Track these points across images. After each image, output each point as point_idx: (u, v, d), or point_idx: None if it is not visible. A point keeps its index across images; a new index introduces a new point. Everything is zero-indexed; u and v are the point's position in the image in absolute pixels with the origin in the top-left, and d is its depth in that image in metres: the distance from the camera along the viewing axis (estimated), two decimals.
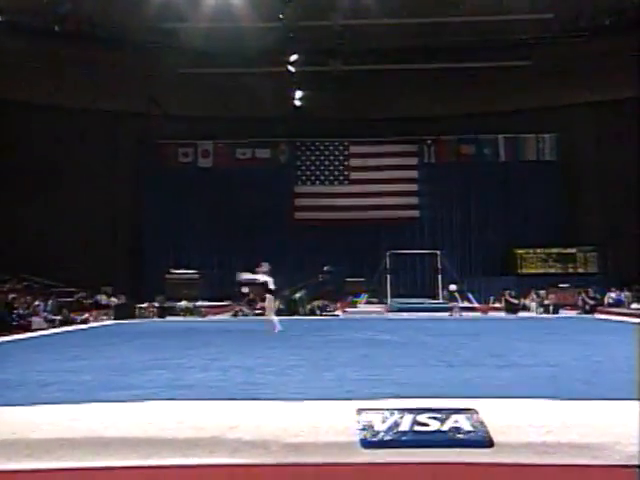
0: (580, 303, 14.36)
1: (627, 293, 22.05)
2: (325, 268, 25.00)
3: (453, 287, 24.60)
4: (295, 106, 26.41)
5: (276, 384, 4.44)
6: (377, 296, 24.81)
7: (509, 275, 27.17)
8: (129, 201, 26.83)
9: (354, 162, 28.70)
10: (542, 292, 19.23)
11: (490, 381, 4.48)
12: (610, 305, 20.52)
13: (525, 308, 17.17)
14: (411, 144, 28.68)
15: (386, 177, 28.52)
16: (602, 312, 15.80)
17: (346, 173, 28.70)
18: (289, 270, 26.98)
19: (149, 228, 26.84)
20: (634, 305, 19.69)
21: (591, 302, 14.27)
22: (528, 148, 28.36)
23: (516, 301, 15.14)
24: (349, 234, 27.76)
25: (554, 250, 27.36)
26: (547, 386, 4.41)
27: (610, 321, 11.20)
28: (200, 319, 15.47)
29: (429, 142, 28.55)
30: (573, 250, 27.35)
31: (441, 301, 20.44)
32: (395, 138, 28.47)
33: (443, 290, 24.93)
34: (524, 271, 27.42)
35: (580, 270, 27.05)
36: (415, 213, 28.64)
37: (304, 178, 28.58)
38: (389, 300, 21.25)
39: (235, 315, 17.61)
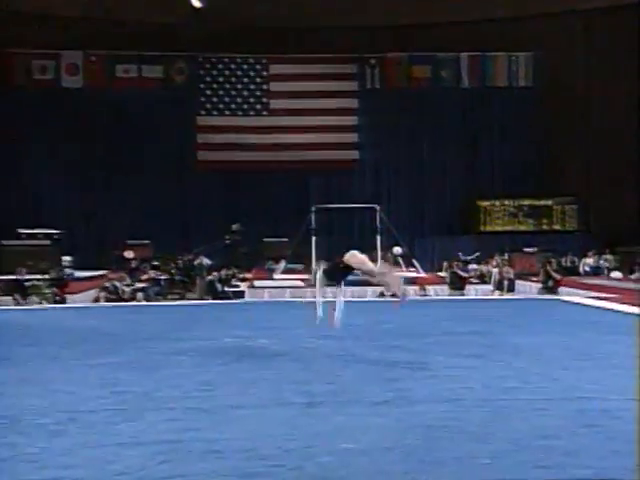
0: (541, 278, 13.65)
1: (609, 256, 21.73)
2: (234, 227, 23.56)
3: (398, 250, 23.63)
4: (195, 8, 24.25)
5: None
6: (303, 262, 23.63)
7: (470, 234, 26.54)
8: None
9: (275, 86, 26.95)
10: (502, 259, 18.48)
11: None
12: (586, 274, 20.14)
13: (483, 280, 16.35)
14: (349, 64, 27.19)
15: (317, 107, 27.00)
16: (575, 285, 15.17)
17: (265, 101, 26.91)
18: (187, 228, 25.55)
19: None
20: (615, 274, 19.33)
21: (557, 276, 13.56)
22: (498, 70, 27.34)
23: (465, 274, 14.24)
24: (269, 181, 26.25)
25: (526, 202, 26.81)
26: None
27: (578, 306, 10.40)
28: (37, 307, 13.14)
29: (372, 62, 27.06)
30: (549, 202, 26.90)
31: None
32: (329, 55, 26.87)
33: (387, 254, 24.02)
34: (488, 229, 26.86)
35: (557, 227, 26.70)
36: (354, 154, 27.41)
37: (209, 106, 26.59)
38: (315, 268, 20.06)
39: (104, 291, 15.88)
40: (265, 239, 25.69)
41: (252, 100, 26.91)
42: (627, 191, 24.05)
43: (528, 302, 11.53)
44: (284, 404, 3.92)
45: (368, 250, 22.20)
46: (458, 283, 13.84)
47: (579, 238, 25.33)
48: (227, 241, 22.88)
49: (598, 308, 9.91)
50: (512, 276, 14.26)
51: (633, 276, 19.74)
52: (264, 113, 26.92)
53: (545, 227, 26.38)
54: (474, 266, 20.98)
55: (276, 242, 24.85)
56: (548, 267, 13.46)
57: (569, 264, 22.31)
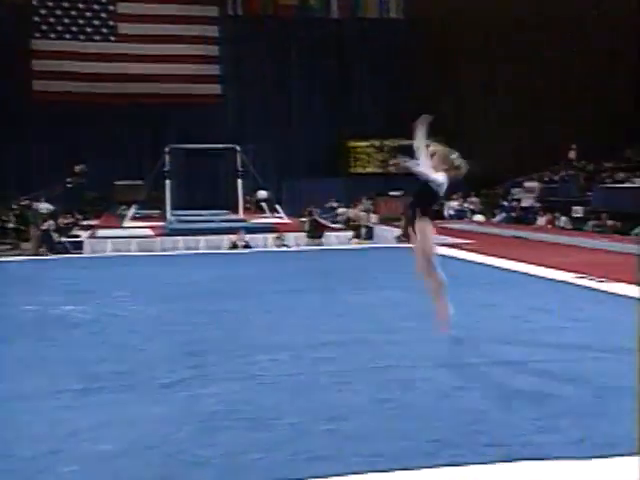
0: (401, 224, 13.89)
1: (474, 199, 22.62)
2: (77, 168, 22.44)
3: (262, 194, 23.49)
4: None
5: None
6: (159, 208, 22.94)
7: (340, 176, 26.72)
8: None
9: (123, 8, 25.53)
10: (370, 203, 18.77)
11: None
12: (451, 217, 20.89)
13: (351, 226, 16.45)
14: None
15: (173, 33, 25.91)
16: (436, 230, 15.59)
17: (111, 24, 25.47)
18: (25, 168, 24.05)
19: None
20: (477, 217, 20.19)
21: None
22: (369, 1, 27.30)
23: (324, 221, 14.27)
24: (119, 116, 25.11)
25: (396, 142, 27.15)
26: None
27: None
28: None
29: None
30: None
31: (239, 217, 19.21)
32: None
33: (253, 198, 23.81)
34: (359, 170, 27.15)
35: None
36: (216, 88, 26.66)
37: (45, 28, 24.88)
38: (169, 215, 19.53)
39: None
40: (116, 182, 24.72)
41: (96, 23, 25.41)
42: (498, 131, 24.85)
43: (382, 252, 11.67)
44: (52, 392, 3.63)
45: (230, 193, 22.10)
46: (316, 231, 13.84)
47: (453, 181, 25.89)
48: (69, 184, 21.80)
49: (450, 257, 10.17)
50: (369, 223, 14.41)
51: (495, 219, 20.71)
52: (111, 38, 25.53)
53: None
54: (343, 210, 21.23)
55: (129, 185, 23.97)
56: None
57: (436, 207, 23.00)
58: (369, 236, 14.08)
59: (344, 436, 3.10)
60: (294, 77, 27.05)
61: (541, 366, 4.33)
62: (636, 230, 16.45)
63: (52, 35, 25.06)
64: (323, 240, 14.05)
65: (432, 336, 5.14)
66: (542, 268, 8.81)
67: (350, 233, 14.46)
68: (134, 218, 20.70)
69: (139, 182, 23.21)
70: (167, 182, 19.87)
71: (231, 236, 13.62)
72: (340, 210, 21.31)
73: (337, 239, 14.50)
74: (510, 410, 3.51)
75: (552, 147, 22.85)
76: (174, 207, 22.14)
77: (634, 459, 2.99)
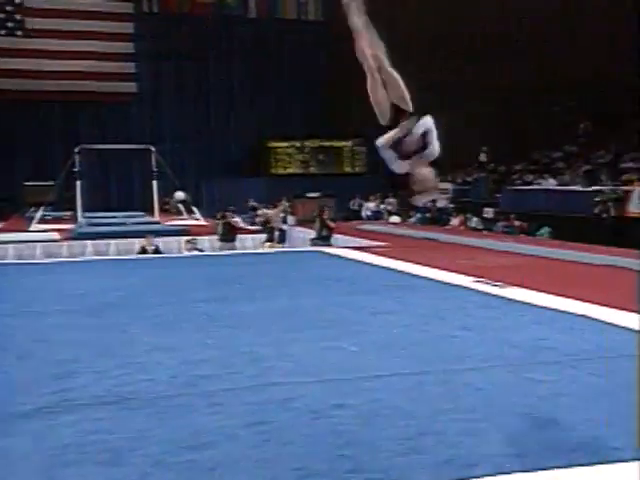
0: (316, 226, 13.87)
1: (392, 200, 22.84)
2: None
3: (180, 196, 23.08)
4: None
5: None
6: (71, 209, 22.26)
7: (261, 176, 26.59)
8: None
9: (31, 1, 24.74)
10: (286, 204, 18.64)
11: None
12: (369, 218, 21.05)
13: (268, 228, 16.21)
14: None
15: (86, 29, 25.22)
16: (350, 232, 15.62)
17: (19, 18, 24.67)
18: None
19: None
20: (393, 218, 20.37)
21: (332, 225, 13.82)
22: (288, 1, 27.20)
23: (237, 224, 14.03)
24: (28, 114, 24.32)
25: (317, 143, 27.25)
26: None
27: (337, 259, 10.64)
28: None
29: None
30: (340, 143, 27.54)
31: (154, 219, 18.82)
32: None
33: (172, 200, 23.37)
34: (280, 171, 27.04)
35: (347, 169, 27.50)
36: (131, 86, 26.10)
37: None
38: (79, 218, 18.98)
39: None
40: (26, 183, 23.98)
41: (2, 16, 24.53)
42: None
43: (292, 256, 11.58)
44: None
45: (147, 195, 21.58)
46: (230, 234, 13.61)
47: (369, 181, 26.14)
48: None
49: (356, 261, 10.17)
50: (283, 226, 14.28)
51: (411, 220, 20.94)
52: (18, 33, 24.69)
53: (336, 170, 27.01)
54: (263, 211, 21.03)
55: (39, 186, 23.25)
56: (323, 215, 13.64)
57: (357, 207, 23.16)
58: (282, 239, 13.94)
59: (203, 468, 2.96)
60: (212, 76, 26.75)
61: (415, 379, 4.28)
62: (541, 230, 16.91)
63: None
64: (237, 244, 13.84)
65: (323, 348, 5.07)
66: (445, 272, 8.86)
67: (263, 236, 14.28)
68: (44, 221, 20.02)
69: (50, 183, 22.45)
70: (78, 183, 19.31)
71: (141, 240, 13.28)
72: (260, 211, 21.10)
73: (252, 242, 14.32)
74: (378, 430, 3.43)
75: (465, 150, 23.23)
76: (88, 209, 21.63)
77: (500, 478, 2.97)
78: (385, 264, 9.78)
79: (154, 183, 19.61)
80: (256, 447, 3.22)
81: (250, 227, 18.35)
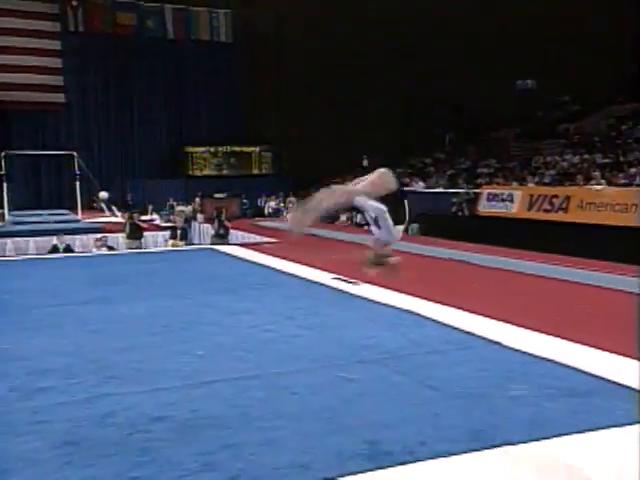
0: (215, 225, 13.42)
1: (293, 199, 22.56)
2: None
3: (104, 195, 22.09)
4: None
5: None
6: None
7: (179, 178, 25.90)
8: None
9: None
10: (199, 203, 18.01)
11: None
12: (270, 215, 20.72)
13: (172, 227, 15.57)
14: (51, 3, 24.19)
15: (18, 45, 23.76)
16: (245, 228, 15.25)
17: None
18: None
19: None
20: (289, 215, 20.07)
21: (228, 224, 13.40)
22: (201, 25, 26.39)
23: (143, 223, 13.44)
24: None
25: (229, 149, 26.79)
26: None
27: (225, 256, 10.24)
28: None
29: (74, 3, 24.41)
30: (250, 149, 27.11)
31: (75, 217, 17.89)
32: None
33: (95, 200, 22.40)
34: (196, 173, 26.38)
35: (255, 171, 27.10)
36: (60, 97, 24.78)
37: None
38: (6, 216, 17.83)
39: None
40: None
41: None
42: (315, 138, 24.91)
43: (183, 254, 11.08)
44: None
45: (74, 195, 20.54)
46: (136, 232, 12.98)
47: (274, 181, 26.00)
48: None
49: (239, 259, 9.81)
50: (183, 224, 13.78)
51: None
52: None
53: (244, 172, 26.65)
54: (181, 208, 20.41)
55: None
56: (221, 216, 13.20)
57: (262, 205, 22.76)
58: (184, 236, 13.41)
59: None
60: (135, 89, 25.76)
61: (243, 384, 3.97)
62: (411, 226, 16.94)
63: None
64: (142, 241, 13.22)
65: (173, 352, 4.70)
66: (311, 269, 8.61)
67: (167, 233, 13.70)
68: None
69: None
70: (4, 185, 18.23)
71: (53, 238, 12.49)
72: (178, 209, 20.48)
73: (158, 239, 13.74)
74: (183, 445, 3.10)
75: (352, 156, 23.28)
76: (21, 207, 20.70)
77: None
78: (263, 261, 9.45)
79: (77, 184, 18.65)
80: (56, 472, 2.83)
81: (165, 224, 17.71)
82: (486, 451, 3.02)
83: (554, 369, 4.23)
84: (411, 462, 2.91)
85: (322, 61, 24.73)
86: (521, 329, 5.23)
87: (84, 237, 13.93)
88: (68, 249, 12.11)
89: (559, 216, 13.18)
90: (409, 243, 12.08)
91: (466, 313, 5.86)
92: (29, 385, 3.98)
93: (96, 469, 2.86)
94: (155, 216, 20.74)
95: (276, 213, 20.85)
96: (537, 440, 3.12)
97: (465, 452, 3.00)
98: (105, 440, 3.16)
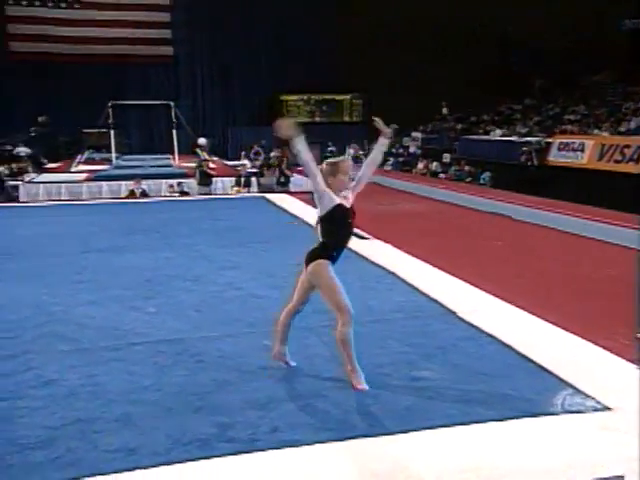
0: (276, 173, 13.09)
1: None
2: (40, 118, 21.20)
3: (201, 141, 22.45)
4: None
5: None
6: (122, 152, 21.93)
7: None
8: None
9: None
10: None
11: None
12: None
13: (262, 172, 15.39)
14: None
15: (129, 2, 24.22)
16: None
17: None
18: (2, 120, 22.77)
19: None
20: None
21: (288, 172, 13.03)
22: None
23: (211, 170, 13.41)
24: (85, 74, 23.68)
25: (321, 97, 26.22)
26: None
27: (269, 204, 9.97)
28: None
29: None
30: (341, 97, 26.40)
31: (172, 162, 18.34)
32: None
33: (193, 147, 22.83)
34: None
35: (346, 119, 26.42)
36: (168, 50, 25.17)
37: None
38: (114, 160, 18.61)
39: None
40: (85, 130, 23.60)
41: None
42: (398, 87, 23.75)
43: (231, 202, 10.94)
44: None
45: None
46: (205, 179, 13.03)
47: (363, 129, 25.23)
48: (32, 133, 20.63)
49: (279, 208, 9.52)
50: (247, 170, 13.56)
51: (388, 164, 19.93)
52: (75, 5, 23.83)
53: (336, 119, 26.09)
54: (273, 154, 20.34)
55: (96, 132, 22.90)
56: (282, 164, 12.92)
57: (352, 152, 22.12)
58: (247, 183, 13.29)
59: None
60: (236, 41, 25.69)
61: (169, 349, 3.74)
62: (483, 175, 15.86)
63: (24, 2, 23.38)
64: (211, 187, 13.26)
65: (129, 308, 4.58)
66: None
67: (233, 180, 13.64)
68: (90, 162, 19.71)
69: (104, 130, 22.02)
70: (112, 132, 18.95)
71: (129, 183, 12.80)
72: (272, 154, 20.46)
73: (224, 185, 13.73)
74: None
75: (434, 103, 22.05)
76: (133, 153, 21.54)
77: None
78: (301, 212, 9.07)
79: (174, 132, 19.04)
80: None
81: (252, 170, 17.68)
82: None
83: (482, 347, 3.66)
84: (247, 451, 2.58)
85: (410, 8, 23.24)
86: (505, 307, 4.48)
87: (162, 182, 14.12)
88: (144, 194, 12.38)
89: (629, 167, 11.63)
90: (456, 192, 11.25)
91: (459, 281, 5.18)
92: None
93: None
94: (246, 161, 20.80)
95: (355, 161, 20.24)
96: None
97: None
98: None
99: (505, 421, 2.79)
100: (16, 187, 14.77)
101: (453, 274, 5.42)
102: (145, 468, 2.49)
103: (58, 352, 3.73)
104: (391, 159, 20.18)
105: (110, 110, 18.70)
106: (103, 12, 23.94)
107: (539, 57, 20.42)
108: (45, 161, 20.30)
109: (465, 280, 5.20)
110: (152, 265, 5.91)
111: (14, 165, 17.40)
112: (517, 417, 2.81)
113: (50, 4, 23.51)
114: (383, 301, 4.70)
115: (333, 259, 3.20)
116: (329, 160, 3.31)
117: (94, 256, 6.31)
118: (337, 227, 3.18)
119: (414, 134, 21.37)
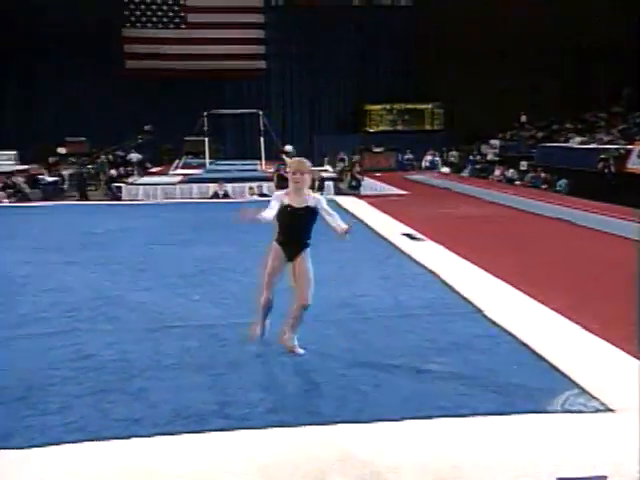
0: (347, 178, 13.04)
1: (454, 153, 21.23)
2: (146, 127, 22.34)
3: (288, 148, 22.84)
4: None
5: None
6: (218, 158, 22.75)
7: (358, 133, 25.84)
8: None
9: (191, 1, 24.92)
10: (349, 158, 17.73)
11: None
12: (427, 168, 19.72)
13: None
14: None
15: (228, 21, 25.10)
16: (394, 182, 14.58)
17: (182, 15, 24.97)
18: (117, 128, 24.19)
19: None
20: (444, 169, 18.89)
21: (359, 177, 12.94)
22: None
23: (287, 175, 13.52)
24: (187, 87, 24.81)
25: (403, 106, 25.92)
26: None
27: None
28: None
29: None
30: (422, 106, 25.97)
31: (258, 167, 18.77)
32: None
33: (280, 153, 23.26)
34: (372, 128, 26.06)
35: (427, 127, 25.96)
36: (261, 64, 25.86)
37: (133, 19, 24.68)
38: (207, 165, 19.34)
39: (4, 190, 14.77)
40: (186, 138, 24.66)
41: (171, 14, 24.95)
42: (481, 97, 23.06)
43: None
44: None
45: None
46: (283, 182, 13.20)
47: (443, 136, 24.80)
48: (140, 140, 21.81)
49: (346, 211, 9.43)
50: (319, 176, 13.56)
51: (464, 172, 19.37)
52: (182, 26, 25.06)
53: (415, 127, 25.71)
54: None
55: (195, 140, 23.85)
56: (354, 169, 12.88)
57: (429, 158, 21.81)
58: (320, 188, 13.30)
59: None
60: (323, 52, 25.95)
61: (202, 332, 3.83)
62: (560, 182, 15.06)
63: (138, 24, 24.84)
64: None
65: (178, 295, 4.71)
66: (394, 223, 8.05)
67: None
68: (186, 166, 20.51)
69: (202, 138, 22.93)
70: (206, 139, 19.67)
71: (213, 185, 13.20)
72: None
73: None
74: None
75: (513, 112, 21.20)
76: (228, 158, 22.21)
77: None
78: (360, 213, 8.99)
79: (261, 139, 19.50)
80: None
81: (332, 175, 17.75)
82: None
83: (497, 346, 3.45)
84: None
85: (491, 16, 22.48)
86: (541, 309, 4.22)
87: (238, 185, 14.38)
88: (226, 196, 12.74)
89: None
90: (524, 198, 10.75)
91: (498, 282, 4.93)
92: (32, 314, 4.26)
93: None
94: (328, 167, 20.93)
95: (431, 167, 19.81)
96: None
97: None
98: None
99: (499, 415, 2.61)
100: (120, 188, 15.65)
101: (496, 275, 5.16)
102: (140, 437, 2.55)
103: (102, 331, 3.90)
104: (468, 166, 19.59)
105: (205, 119, 19.39)
106: (206, 31, 24.94)
107: (627, 66, 19.09)
108: (150, 166, 21.43)
109: (506, 281, 4.94)
110: (210, 257, 6.07)
111: (121, 169, 18.51)
112: (513, 412, 2.63)
113: (160, 25, 24.86)
114: (413, 297, 4.56)
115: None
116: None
117: (162, 248, 6.57)
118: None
119: (492, 142, 20.64)
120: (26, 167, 19.37)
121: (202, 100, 25.01)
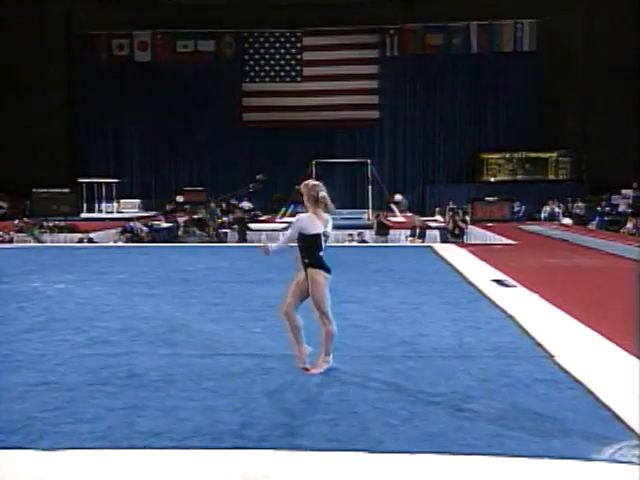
0: (449, 226, 12.76)
1: (580, 204, 20.08)
2: (258, 176, 23.55)
3: (399, 198, 23.04)
4: None
5: None
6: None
7: (474, 183, 25.36)
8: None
9: (307, 55, 26.35)
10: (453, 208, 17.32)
11: None
12: (545, 219, 18.78)
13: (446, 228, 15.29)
14: (372, 34, 25.99)
15: (343, 73, 26.18)
16: (503, 232, 14.00)
17: (298, 68, 26.46)
18: (235, 177, 25.74)
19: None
20: (565, 220, 17.86)
21: (462, 225, 12.63)
22: (504, 37, 25.20)
23: (389, 222, 13.53)
24: (302, 137, 26.04)
25: (524, 154, 25.15)
26: None
27: (431, 255, 9.69)
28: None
29: (392, 32, 25.73)
30: (546, 154, 25.03)
31: (362, 217, 19.04)
32: (354, 27, 25.80)
33: (389, 202, 23.45)
34: (490, 179, 25.47)
35: (551, 177, 24.89)
36: (374, 114, 26.52)
37: (252, 74, 26.53)
38: None
39: (124, 233, 16.28)
40: (296, 186, 25.62)
41: (288, 68, 26.55)
42: (610, 146, 21.87)
43: (397, 249, 10.93)
44: None
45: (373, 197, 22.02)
46: (383, 229, 13.31)
47: (570, 187, 23.65)
48: (251, 189, 23.01)
49: (440, 258, 9.30)
50: (422, 224, 13.45)
51: (591, 224, 18.22)
52: (298, 79, 26.53)
53: (539, 177, 24.73)
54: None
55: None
56: (456, 217, 12.67)
57: (548, 209, 20.82)
58: (422, 235, 13.18)
59: None
60: (439, 101, 26.11)
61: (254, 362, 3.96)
62: None
63: (257, 79, 26.64)
64: (389, 237, 13.48)
65: (239, 328, 4.89)
66: (489, 271, 7.76)
67: (408, 232, 13.67)
68: (291, 214, 21.27)
69: None
70: None
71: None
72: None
73: (399, 237, 13.83)
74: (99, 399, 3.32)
75: None
76: (337, 207, 22.60)
77: None
78: (457, 261, 8.75)
79: (369, 187, 19.85)
80: None
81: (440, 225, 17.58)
82: None
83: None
84: None
85: (618, 56, 21.48)
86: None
87: (345, 232, 14.63)
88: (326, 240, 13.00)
89: None
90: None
91: (585, 329, 4.62)
92: (101, 337, 4.63)
93: None
94: (439, 217, 20.72)
95: (550, 217, 18.83)
96: None
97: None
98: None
99: (532, 458, 2.42)
100: (226, 234, 16.63)
101: (584, 323, 4.81)
102: (153, 449, 2.67)
103: (157, 354, 4.15)
104: (597, 218, 18.41)
105: (314, 168, 20.13)
106: (321, 83, 26.19)
107: None
108: (259, 213, 22.51)
109: (594, 329, 4.59)
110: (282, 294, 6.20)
111: (230, 216, 19.60)
112: (547, 456, 2.43)
113: (278, 79, 26.52)
114: (480, 340, 4.37)
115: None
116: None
117: (241, 285, 6.86)
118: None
119: (624, 191, 19.32)
120: (146, 214, 21.19)
121: (313, 149, 26.13)
